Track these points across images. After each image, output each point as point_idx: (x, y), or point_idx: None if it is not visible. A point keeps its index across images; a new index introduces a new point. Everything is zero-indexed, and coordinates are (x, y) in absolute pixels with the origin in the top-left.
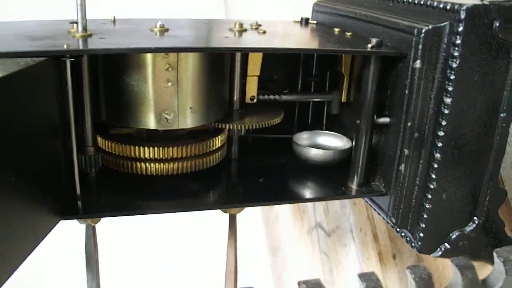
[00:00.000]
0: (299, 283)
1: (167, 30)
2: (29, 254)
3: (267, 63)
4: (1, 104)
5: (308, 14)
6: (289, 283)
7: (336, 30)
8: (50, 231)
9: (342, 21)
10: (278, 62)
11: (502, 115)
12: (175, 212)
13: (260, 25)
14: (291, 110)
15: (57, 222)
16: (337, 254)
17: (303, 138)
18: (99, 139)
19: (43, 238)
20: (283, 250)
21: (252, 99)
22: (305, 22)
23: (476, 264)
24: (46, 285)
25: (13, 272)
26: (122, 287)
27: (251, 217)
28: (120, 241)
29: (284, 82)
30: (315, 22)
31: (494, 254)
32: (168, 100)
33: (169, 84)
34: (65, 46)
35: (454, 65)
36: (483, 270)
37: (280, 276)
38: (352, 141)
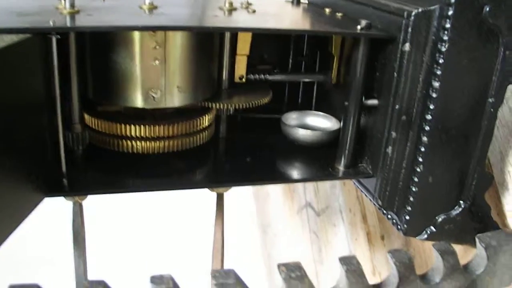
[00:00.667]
0: (278, 266)
1: (156, 7)
2: (12, 232)
3: (257, 42)
4: None
5: None
6: (279, 261)
7: (327, 10)
8: (34, 208)
9: (333, 1)
10: (269, 41)
11: (490, 100)
12: (162, 190)
13: (250, 4)
14: (281, 90)
15: (42, 200)
16: (326, 233)
17: (291, 118)
18: (86, 116)
19: (27, 216)
20: (273, 228)
21: (241, 78)
22: (296, 1)
23: (461, 248)
24: (32, 262)
25: None
26: (109, 264)
27: (242, 193)
28: (107, 219)
29: (274, 61)
30: (306, 2)
31: (476, 239)
32: (155, 78)
33: (156, 62)
34: (51, 23)
35: (443, 49)
36: (469, 253)
37: (270, 253)
38: (340, 122)
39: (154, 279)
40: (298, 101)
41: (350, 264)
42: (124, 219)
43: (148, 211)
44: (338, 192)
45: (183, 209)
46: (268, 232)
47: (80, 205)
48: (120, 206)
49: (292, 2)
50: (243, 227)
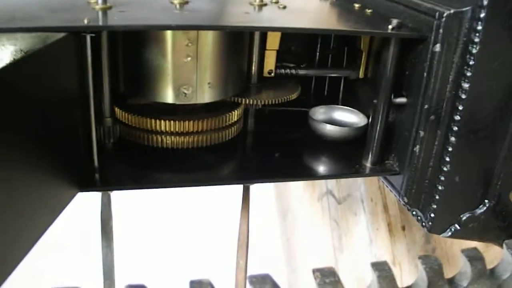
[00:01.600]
0: (313, 271)
1: (186, 2)
2: (47, 228)
3: (285, 35)
4: (23, 82)
5: None
6: (298, 246)
7: (356, 6)
8: (69, 203)
9: None
10: (297, 34)
11: None
12: (193, 186)
13: None
14: (308, 82)
15: (75, 194)
16: (347, 222)
17: (319, 112)
18: (117, 110)
19: (62, 211)
20: (293, 214)
21: (270, 73)
22: None
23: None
24: (59, 250)
25: (32, 246)
26: (136, 254)
27: None
28: (134, 209)
29: (301, 54)
30: None
31: (504, 245)
32: (187, 75)
33: (188, 59)
34: (85, 21)
35: (474, 51)
36: (490, 248)
37: (289, 238)
38: (368, 118)
39: (193, 284)
40: (324, 94)
41: (382, 270)
42: (150, 209)
43: (172, 198)
44: (359, 181)
45: (208, 199)
46: (288, 217)
47: (109, 196)
48: (146, 196)
49: None
50: (262, 211)
